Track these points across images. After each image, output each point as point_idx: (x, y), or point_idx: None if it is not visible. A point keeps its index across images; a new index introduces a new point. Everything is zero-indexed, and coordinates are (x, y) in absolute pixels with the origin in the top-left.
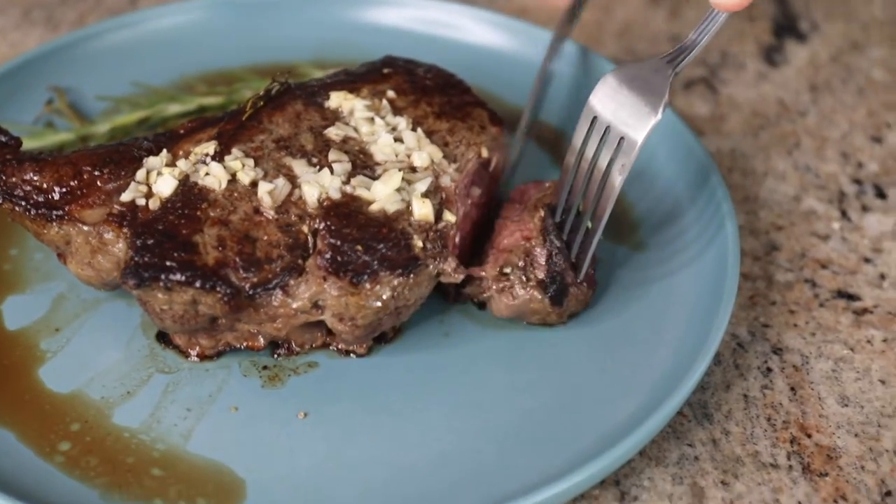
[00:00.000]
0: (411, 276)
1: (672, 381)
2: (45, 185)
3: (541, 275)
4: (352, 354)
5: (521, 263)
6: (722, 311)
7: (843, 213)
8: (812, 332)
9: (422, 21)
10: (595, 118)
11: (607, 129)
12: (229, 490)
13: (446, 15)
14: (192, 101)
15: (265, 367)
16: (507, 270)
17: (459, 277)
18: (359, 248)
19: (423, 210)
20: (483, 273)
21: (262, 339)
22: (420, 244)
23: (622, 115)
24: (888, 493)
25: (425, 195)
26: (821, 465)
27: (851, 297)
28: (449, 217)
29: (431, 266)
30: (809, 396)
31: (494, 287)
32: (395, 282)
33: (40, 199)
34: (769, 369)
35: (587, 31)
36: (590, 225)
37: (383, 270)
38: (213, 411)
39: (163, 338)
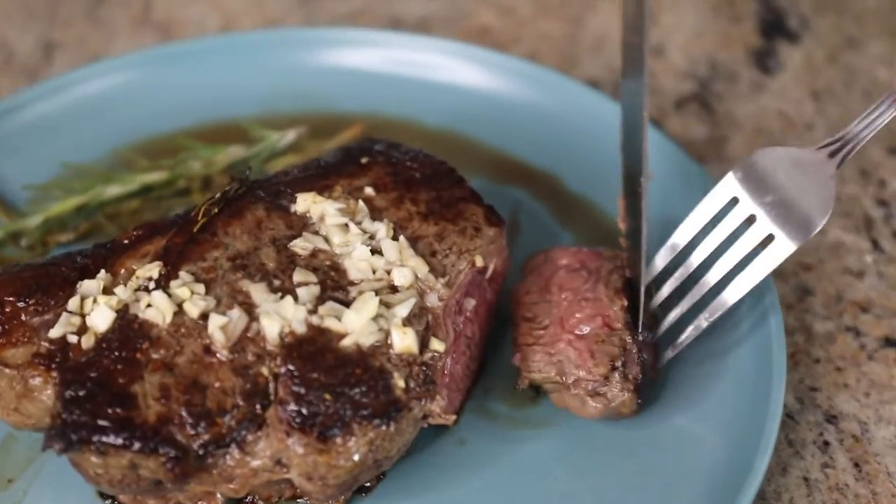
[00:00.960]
0: (392, 424)
1: (732, 479)
2: None
3: (638, 375)
4: None
5: (621, 360)
6: (775, 387)
7: (875, 244)
8: (866, 393)
9: (387, 61)
10: (736, 200)
11: (751, 217)
12: None
13: (415, 53)
14: (132, 180)
15: None
16: (617, 365)
17: (451, 419)
18: (327, 396)
19: (404, 342)
20: (573, 368)
21: (219, 498)
22: (402, 384)
23: (781, 208)
24: None
25: (407, 322)
26: None
27: None
28: (437, 346)
29: (416, 409)
30: (877, 473)
31: (587, 386)
32: (373, 434)
33: None
34: (826, 443)
35: (558, 48)
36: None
37: (357, 421)
38: None
39: (105, 495)
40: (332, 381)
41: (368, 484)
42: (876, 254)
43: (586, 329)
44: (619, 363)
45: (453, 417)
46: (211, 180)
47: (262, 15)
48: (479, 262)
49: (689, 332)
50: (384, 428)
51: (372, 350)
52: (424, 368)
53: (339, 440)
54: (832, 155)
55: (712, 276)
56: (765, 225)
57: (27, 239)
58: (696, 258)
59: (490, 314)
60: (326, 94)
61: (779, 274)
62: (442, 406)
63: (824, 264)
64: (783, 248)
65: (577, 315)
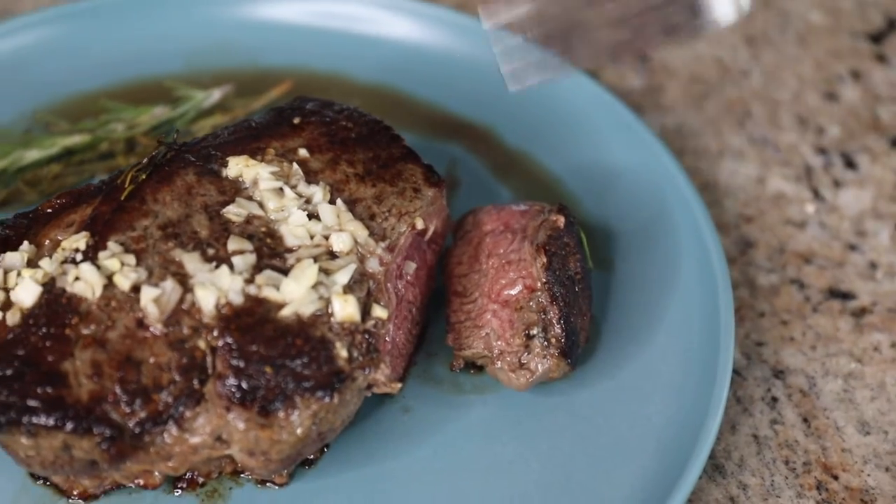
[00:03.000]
0: (335, 396)
1: (683, 440)
2: None
3: (561, 338)
4: (269, 484)
5: (539, 325)
6: (723, 342)
7: (816, 193)
8: (812, 346)
9: (314, 14)
10: None
11: None
12: None
13: (342, 5)
14: (52, 144)
15: (201, 484)
16: (534, 332)
17: (396, 387)
18: (268, 368)
19: (346, 310)
20: (496, 340)
21: (157, 476)
22: (345, 353)
23: None
24: None
25: (348, 289)
26: None
27: (846, 296)
28: (379, 312)
29: (360, 379)
30: (826, 427)
31: (510, 359)
32: (316, 406)
33: None
34: (774, 398)
35: None
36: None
37: (300, 394)
38: None
39: (36, 475)
40: (273, 353)
41: (312, 457)
42: (817, 203)
43: (510, 294)
44: (535, 330)
45: (398, 386)
46: (135, 142)
47: None
48: (420, 224)
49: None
50: (328, 400)
51: (312, 319)
52: (367, 336)
53: (281, 414)
54: None
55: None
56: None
57: None
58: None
59: (431, 276)
60: (252, 49)
61: (720, 226)
62: (386, 374)
63: (766, 215)
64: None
65: (502, 281)
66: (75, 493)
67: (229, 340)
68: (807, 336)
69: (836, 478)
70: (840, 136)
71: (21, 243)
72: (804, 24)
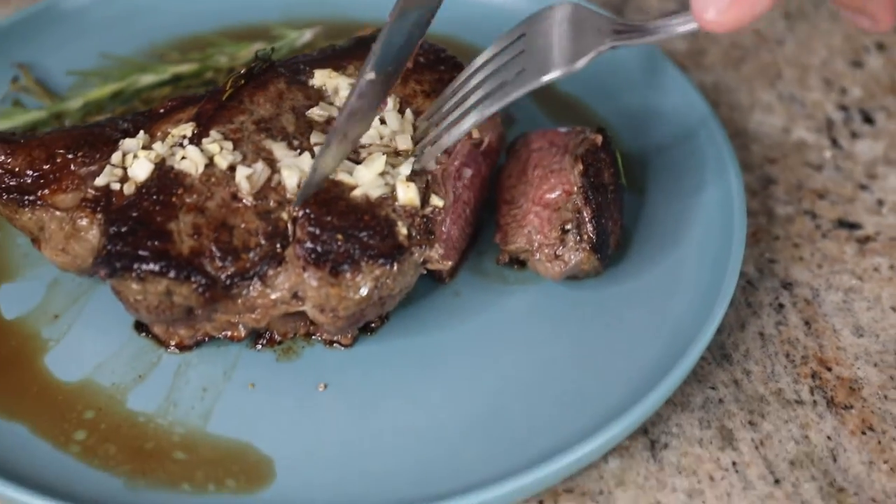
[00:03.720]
0: (395, 265)
1: (692, 327)
2: (17, 169)
3: (592, 235)
4: (336, 345)
5: (573, 222)
6: (734, 250)
7: (834, 142)
8: (819, 265)
9: None
10: (521, 36)
11: (521, 52)
12: (257, 469)
13: None
14: (165, 71)
15: (279, 342)
16: (568, 227)
17: (448, 265)
18: (339, 236)
19: (407, 194)
20: (536, 234)
21: (242, 329)
22: (405, 231)
23: (539, 50)
24: None
25: (410, 178)
26: (844, 397)
27: (853, 226)
28: (436, 201)
29: (417, 254)
30: (824, 329)
31: (547, 251)
32: (378, 272)
33: (12, 182)
34: (781, 305)
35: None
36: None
37: (365, 260)
38: (229, 389)
39: (141, 327)
40: (344, 224)
41: (373, 325)
42: (835, 150)
43: (551, 197)
44: (570, 226)
45: (449, 263)
46: (235, 72)
47: None
48: (476, 134)
49: (452, 136)
50: (388, 267)
51: (379, 201)
52: (425, 220)
53: (348, 275)
54: (617, 32)
55: (474, 97)
56: (523, 59)
57: (69, 120)
58: (470, 83)
59: (485, 185)
60: (340, 2)
61: (746, 166)
62: (440, 253)
63: (788, 158)
64: (524, 80)
65: (544, 187)
66: (172, 343)
67: (308, 211)
68: (815, 256)
69: (829, 369)
70: (861, 96)
71: (137, 133)
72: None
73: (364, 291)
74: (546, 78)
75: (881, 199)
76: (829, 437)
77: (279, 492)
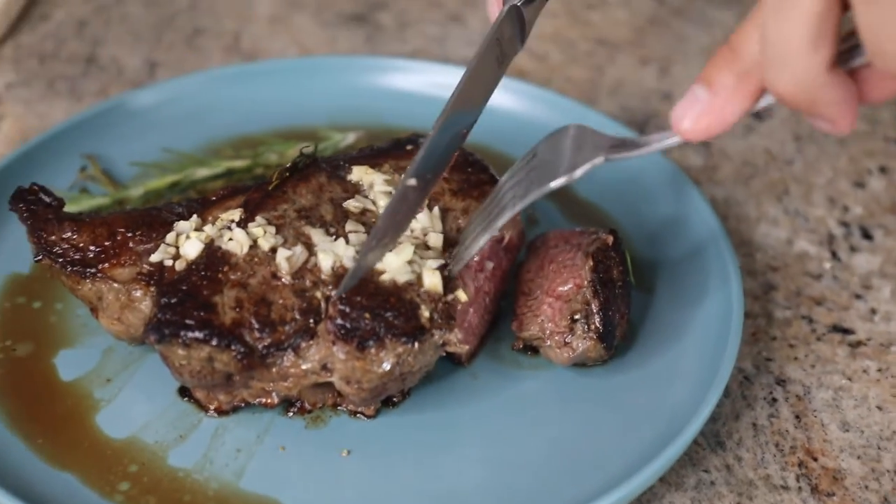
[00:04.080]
0: (416, 344)
1: (688, 412)
2: (81, 244)
3: (599, 325)
4: (360, 415)
5: (582, 313)
6: (730, 346)
7: (834, 254)
8: (812, 364)
9: (433, 85)
10: (535, 154)
11: (534, 168)
12: None
13: (453, 78)
14: (219, 165)
15: (308, 410)
16: (577, 317)
17: (465, 348)
18: (367, 315)
19: (432, 280)
20: (548, 323)
21: (275, 397)
22: (427, 314)
23: (545, 164)
24: None
25: (436, 269)
26: (828, 485)
27: (846, 331)
28: (461, 295)
29: (437, 336)
30: (813, 423)
31: (557, 338)
32: (400, 349)
33: (76, 256)
34: (774, 399)
35: (581, 89)
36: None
37: (389, 337)
38: (261, 451)
39: (184, 391)
40: (371, 304)
41: (395, 399)
42: (834, 262)
43: (563, 290)
44: (579, 316)
45: (466, 347)
46: (282, 166)
47: (334, 50)
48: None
49: (480, 243)
50: (410, 345)
51: (405, 286)
52: (446, 306)
53: (373, 350)
54: (612, 147)
55: (499, 205)
56: (535, 173)
57: (130, 206)
58: (501, 188)
59: (505, 277)
60: (380, 109)
61: (750, 272)
62: (458, 338)
63: (789, 267)
64: (533, 189)
65: (557, 280)
66: (212, 407)
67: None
68: (808, 357)
69: (815, 459)
70: (862, 214)
71: (191, 217)
72: None
73: (387, 366)
74: (550, 186)
75: (874, 307)
76: None
77: None
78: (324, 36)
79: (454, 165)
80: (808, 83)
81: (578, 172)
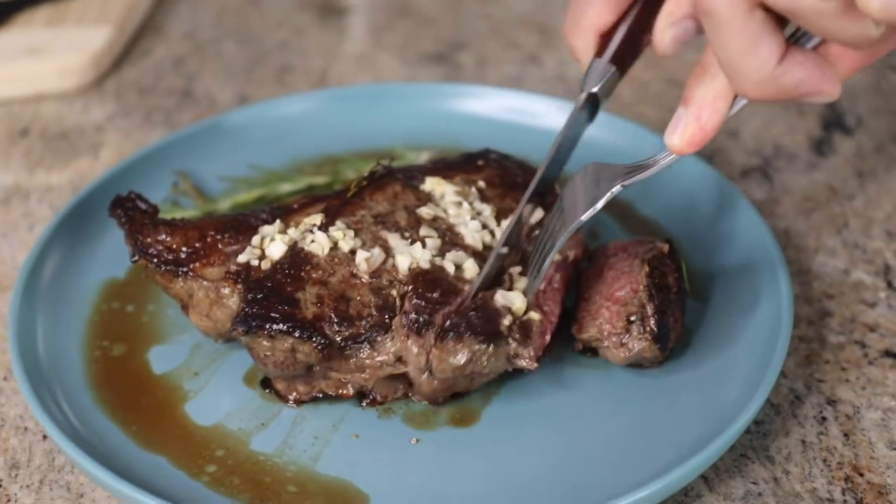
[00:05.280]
0: (491, 346)
1: (736, 411)
2: (174, 246)
3: (654, 327)
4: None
5: (638, 316)
6: (779, 347)
7: (889, 284)
8: (863, 387)
9: (506, 109)
10: (561, 199)
11: (562, 211)
12: (355, 502)
13: (525, 103)
14: (301, 181)
15: (380, 402)
16: (633, 319)
17: (534, 366)
18: (448, 309)
19: (517, 303)
20: (605, 325)
21: (350, 389)
22: (507, 323)
23: (568, 206)
24: None
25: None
26: (873, 499)
27: None
28: (533, 315)
29: (512, 345)
30: (861, 441)
31: (614, 339)
32: (476, 347)
33: (170, 257)
34: (824, 418)
35: (652, 126)
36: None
37: (468, 334)
38: (336, 438)
39: (266, 384)
40: (448, 299)
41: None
42: (889, 291)
43: (620, 294)
44: (634, 318)
45: (536, 365)
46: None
47: None
48: (558, 256)
49: (538, 281)
50: (485, 346)
51: (491, 294)
52: (524, 324)
53: (451, 343)
54: (626, 173)
55: (540, 253)
56: (562, 217)
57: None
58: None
59: (568, 285)
60: (454, 133)
61: (806, 299)
62: (531, 355)
63: (844, 296)
64: (560, 235)
65: (615, 285)
66: (291, 397)
67: (416, 286)
68: (860, 380)
69: (861, 475)
70: None
71: (274, 222)
72: None
73: (461, 359)
74: (575, 224)
75: None
76: None
77: None
78: (405, 73)
79: (521, 184)
80: (766, 80)
81: (600, 203)
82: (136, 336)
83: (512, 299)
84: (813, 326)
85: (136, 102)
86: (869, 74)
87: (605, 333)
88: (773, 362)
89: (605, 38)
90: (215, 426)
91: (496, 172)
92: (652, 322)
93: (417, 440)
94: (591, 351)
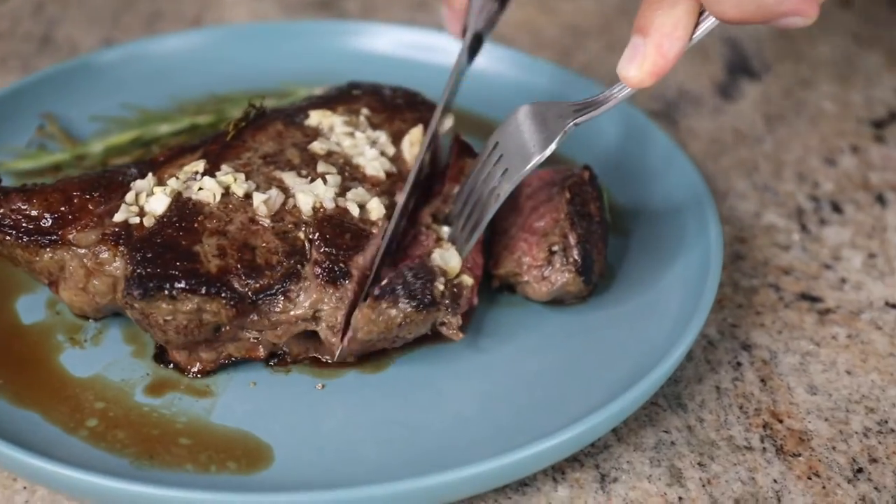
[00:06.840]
0: (423, 312)
1: (663, 347)
2: (34, 213)
3: (578, 257)
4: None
5: (560, 246)
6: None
7: (803, 227)
8: (779, 331)
9: (403, 45)
10: (496, 144)
11: (500, 157)
12: (257, 454)
13: (418, 39)
14: (182, 120)
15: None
16: (554, 250)
17: (459, 336)
18: (392, 272)
19: (452, 264)
20: (524, 258)
21: (261, 350)
22: (441, 288)
23: (514, 149)
24: (860, 470)
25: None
26: (793, 446)
27: (814, 300)
28: (466, 279)
29: (441, 312)
30: (779, 387)
31: (535, 272)
32: (410, 312)
33: (31, 226)
34: (739, 363)
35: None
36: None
37: (405, 298)
38: (231, 387)
39: (160, 358)
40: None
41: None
42: (803, 234)
43: (539, 225)
44: (556, 248)
45: (461, 336)
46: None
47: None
48: None
49: (474, 238)
50: (416, 311)
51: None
52: (455, 287)
53: (384, 304)
54: (576, 111)
55: (480, 202)
56: (504, 161)
57: (90, 161)
58: (475, 185)
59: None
60: (347, 72)
61: None
62: (457, 325)
63: (757, 239)
64: (513, 176)
65: (534, 216)
66: (194, 369)
67: (324, 233)
68: (775, 324)
69: (780, 421)
70: (833, 190)
71: (146, 176)
72: (817, 110)
73: (393, 321)
74: (528, 168)
75: (844, 277)
76: (775, 481)
77: (278, 472)
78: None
79: (403, 105)
80: None
81: (553, 145)
82: (0, 283)
83: (448, 259)
84: (724, 270)
85: None
86: None
87: (525, 267)
88: (704, 298)
89: None
90: (94, 378)
91: (375, 98)
92: (575, 252)
93: (323, 386)
94: (509, 288)
